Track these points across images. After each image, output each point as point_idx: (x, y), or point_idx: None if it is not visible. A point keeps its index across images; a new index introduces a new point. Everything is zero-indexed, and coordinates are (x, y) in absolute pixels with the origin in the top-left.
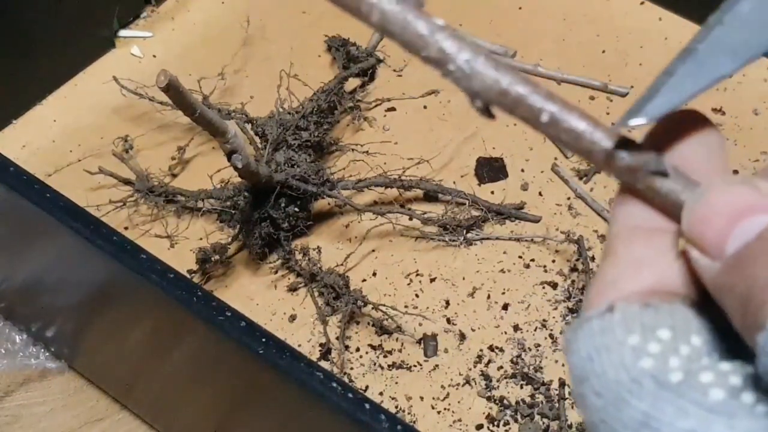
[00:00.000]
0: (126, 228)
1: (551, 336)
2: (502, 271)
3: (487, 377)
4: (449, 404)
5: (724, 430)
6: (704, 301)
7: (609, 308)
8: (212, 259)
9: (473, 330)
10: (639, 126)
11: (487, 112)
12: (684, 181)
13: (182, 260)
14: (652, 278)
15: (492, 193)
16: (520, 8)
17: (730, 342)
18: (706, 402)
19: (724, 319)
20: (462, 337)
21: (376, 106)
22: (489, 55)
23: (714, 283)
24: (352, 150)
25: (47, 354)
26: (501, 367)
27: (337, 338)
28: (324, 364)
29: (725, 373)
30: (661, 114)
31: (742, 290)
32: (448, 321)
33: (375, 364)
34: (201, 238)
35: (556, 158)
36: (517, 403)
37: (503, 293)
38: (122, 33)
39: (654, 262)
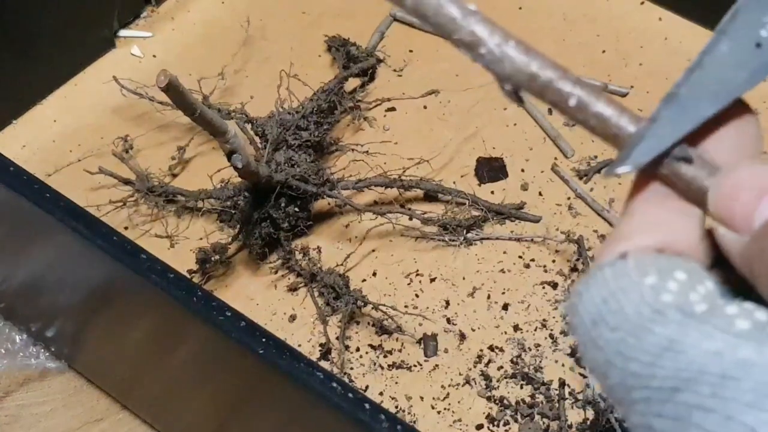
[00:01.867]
0: (126, 228)
1: (551, 336)
2: (502, 271)
3: (487, 377)
4: (449, 404)
5: (752, 354)
6: (713, 267)
7: (622, 255)
8: (212, 259)
9: (473, 330)
10: (626, 173)
11: (516, 96)
12: (709, 168)
13: (182, 260)
14: (664, 237)
15: (492, 193)
16: (520, 8)
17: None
18: (732, 329)
19: (736, 284)
20: (462, 337)
21: (376, 106)
22: (520, 40)
23: (742, 255)
24: (352, 150)
25: (47, 354)
26: (501, 367)
27: (337, 338)
28: (324, 364)
29: (750, 309)
30: (647, 161)
31: None
32: (448, 321)
33: (375, 364)
34: (201, 238)
35: (556, 158)
36: (517, 403)
37: (503, 293)
38: (122, 33)
39: (668, 223)
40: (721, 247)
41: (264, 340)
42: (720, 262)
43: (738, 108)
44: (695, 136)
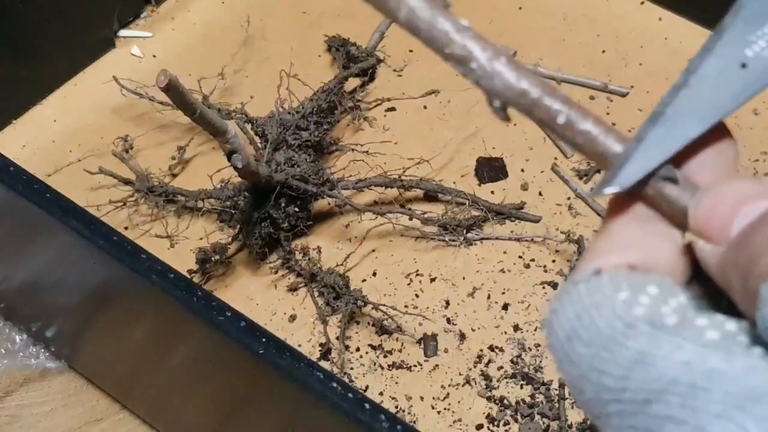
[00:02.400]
0: (126, 228)
1: None
2: (502, 271)
3: (487, 377)
4: (449, 404)
5: (721, 364)
6: (691, 282)
7: (596, 272)
8: (212, 259)
9: (473, 330)
10: (613, 194)
11: (503, 113)
12: (692, 189)
13: (182, 260)
14: (639, 255)
15: (492, 193)
16: (520, 8)
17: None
18: (702, 340)
19: (712, 302)
20: (462, 337)
21: (376, 106)
22: (510, 57)
23: (719, 265)
24: (352, 150)
25: (47, 354)
26: (501, 367)
27: (337, 338)
28: (324, 364)
29: (720, 320)
30: (633, 182)
31: (744, 262)
32: (448, 321)
33: (375, 364)
34: (201, 238)
35: (556, 158)
36: (517, 403)
37: (503, 293)
38: (122, 33)
39: (644, 242)
40: (699, 261)
41: (264, 340)
42: (698, 277)
43: (718, 131)
44: (678, 157)
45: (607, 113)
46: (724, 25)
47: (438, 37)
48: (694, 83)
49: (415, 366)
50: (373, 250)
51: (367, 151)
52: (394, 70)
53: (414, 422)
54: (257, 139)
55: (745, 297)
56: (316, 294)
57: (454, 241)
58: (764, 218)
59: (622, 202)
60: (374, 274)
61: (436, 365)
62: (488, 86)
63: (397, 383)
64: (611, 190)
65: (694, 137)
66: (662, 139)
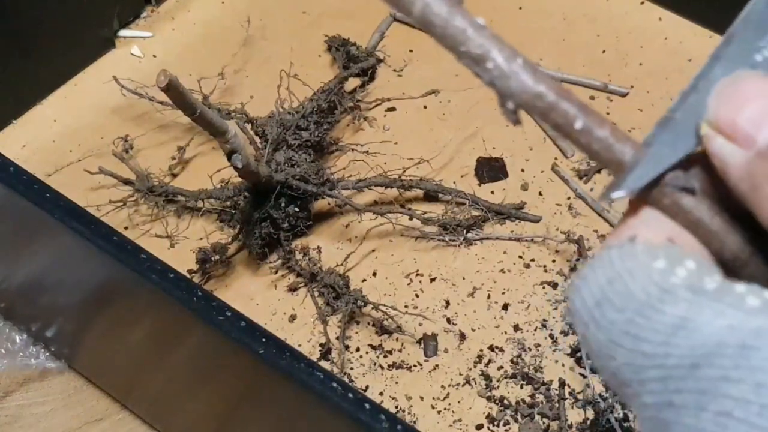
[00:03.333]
0: (126, 228)
1: (551, 336)
2: (502, 271)
3: (487, 377)
4: (449, 404)
5: (764, 323)
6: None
7: (631, 238)
8: (212, 259)
9: (473, 330)
10: (620, 198)
11: (515, 115)
12: (709, 199)
13: (182, 260)
14: (678, 233)
15: (492, 193)
16: (520, 8)
17: None
18: (743, 306)
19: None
20: (462, 337)
21: (376, 106)
22: (527, 59)
23: (746, 171)
24: (352, 150)
25: (47, 354)
26: (501, 367)
27: (337, 338)
28: (324, 364)
29: (757, 289)
30: (642, 186)
31: None
32: (448, 321)
33: (375, 364)
34: (201, 238)
35: (556, 158)
36: (517, 403)
37: (503, 293)
38: (122, 33)
39: (674, 226)
40: (714, 157)
41: (264, 340)
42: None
43: None
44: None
45: (607, 113)
46: (733, 32)
47: (454, 34)
48: (703, 88)
49: (415, 366)
50: (373, 250)
51: (367, 151)
52: (394, 70)
53: (414, 422)
54: (257, 139)
55: None
56: (316, 294)
57: (454, 241)
58: None
59: (636, 209)
60: (374, 274)
61: (436, 365)
62: (503, 87)
63: (397, 383)
64: (619, 194)
65: (698, 142)
66: (671, 144)
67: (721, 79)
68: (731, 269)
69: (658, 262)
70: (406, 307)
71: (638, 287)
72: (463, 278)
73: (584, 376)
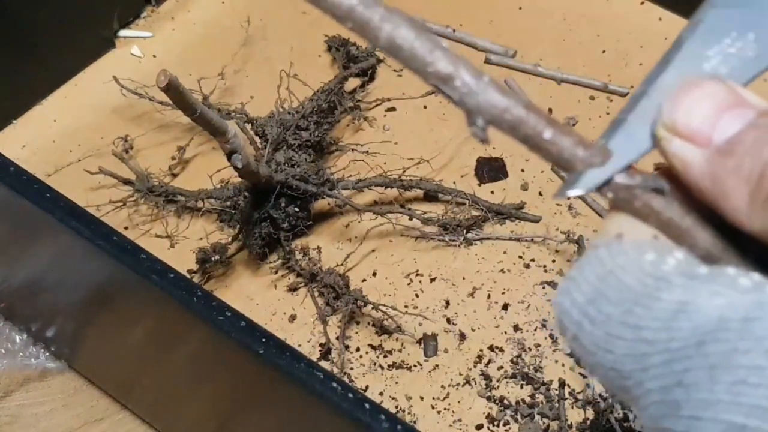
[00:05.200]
0: (126, 228)
1: (551, 336)
2: (502, 271)
3: (487, 377)
4: (449, 404)
5: (760, 296)
6: None
7: (618, 236)
8: (212, 259)
9: (473, 330)
10: (576, 196)
11: (484, 133)
12: (679, 200)
13: (182, 260)
14: (655, 231)
15: (492, 193)
16: (520, 8)
17: None
18: (737, 286)
19: None
20: (462, 337)
21: (376, 106)
22: (491, 77)
23: (706, 169)
24: (352, 150)
25: (47, 354)
26: (501, 367)
27: (337, 338)
28: (324, 364)
29: (746, 272)
30: (597, 185)
31: (750, 168)
32: (448, 321)
33: (375, 364)
34: (201, 238)
35: None
36: (517, 403)
37: (503, 293)
38: (122, 33)
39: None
40: (672, 158)
41: (264, 340)
42: None
43: None
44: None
45: (607, 113)
46: (683, 38)
47: (421, 55)
48: (654, 93)
49: (415, 366)
50: (373, 250)
51: (367, 151)
52: (394, 70)
53: (414, 422)
54: (257, 139)
55: (754, 202)
56: (316, 294)
57: (454, 241)
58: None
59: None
60: (374, 274)
61: (436, 365)
62: (473, 103)
63: (397, 383)
64: (575, 192)
65: (651, 145)
66: (623, 145)
67: (674, 84)
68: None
69: (648, 255)
70: (406, 307)
71: (632, 279)
72: (463, 278)
73: (584, 376)
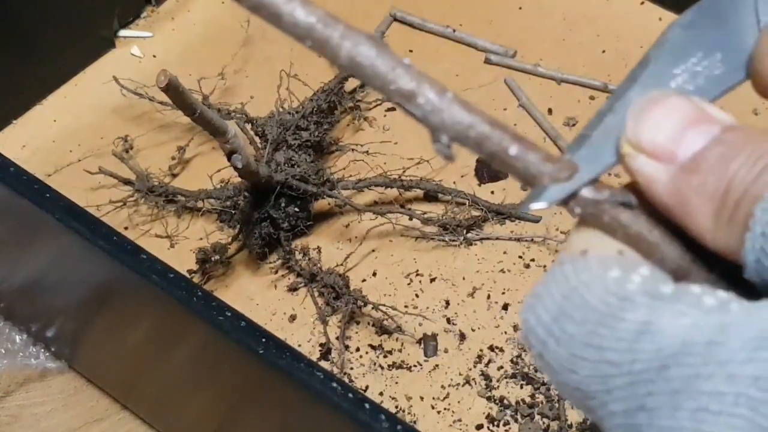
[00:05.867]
0: (126, 228)
1: None
2: (502, 271)
3: (487, 377)
4: (449, 404)
5: (729, 320)
6: None
7: (582, 252)
8: (212, 259)
9: (473, 330)
10: (539, 209)
11: (448, 150)
12: (646, 216)
13: (182, 260)
14: (620, 245)
15: (492, 193)
16: (520, 8)
17: None
18: (701, 306)
19: None
20: (462, 337)
21: (376, 106)
22: (456, 93)
23: (670, 186)
24: (352, 150)
25: (47, 354)
26: (501, 367)
27: (337, 338)
28: (324, 364)
29: (710, 289)
30: (561, 198)
31: (714, 186)
32: (448, 321)
33: (375, 364)
34: (201, 238)
35: None
36: (517, 403)
37: (503, 293)
38: (122, 33)
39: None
40: (636, 175)
41: (264, 340)
42: None
43: None
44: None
45: None
46: (649, 56)
47: (383, 72)
48: (619, 109)
49: (415, 366)
50: (373, 250)
51: (367, 151)
52: None
53: (414, 422)
54: (257, 139)
55: (718, 219)
56: (316, 294)
57: (454, 241)
58: (732, 144)
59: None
60: (374, 274)
61: (436, 365)
62: (437, 120)
63: (397, 383)
64: (538, 205)
65: (616, 161)
66: (587, 161)
67: (637, 99)
68: (676, 279)
69: (612, 272)
70: (406, 307)
71: (596, 298)
72: (463, 278)
73: None
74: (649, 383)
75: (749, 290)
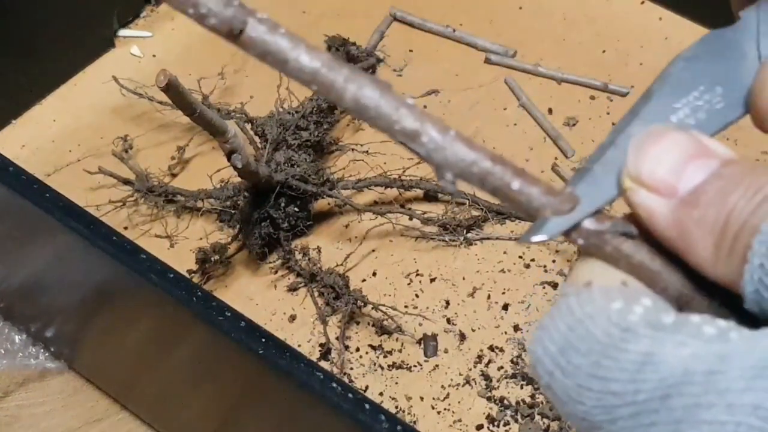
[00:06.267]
0: (126, 228)
1: None
2: (502, 271)
3: (487, 377)
4: (449, 404)
5: (728, 349)
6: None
7: (587, 284)
8: (212, 259)
9: (473, 330)
10: (540, 242)
11: (454, 185)
12: (647, 245)
13: (182, 260)
14: (624, 276)
15: None
16: (520, 8)
17: None
18: (702, 336)
19: None
20: (462, 337)
21: None
22: (458, 131)
23: (671, 219)
24: (352, 150)
25: (47, 354)
26: (501, 367)
27: (337, 338)
28: (324, 364)
29: (710, 318)
30: (560, 231)
31: (714, 219)
32: (448, 321)
33: (375, 364)
34: (201, 238)
35: (556, 158)
36: (517, 403)
37: (503, 293)
38: (122, 33)
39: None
40: (638, 209)
41: (264, 340)
42: None
43: None
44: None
45: (608, 113)
46: (652, 90)
47: (387, 113)
48: (621, 143)
49: (415, 366)
50: (373, 250)
51: (367, 151)
52: (394, 70)
53: (414, 422)
54: (257, 139)
55: (718, 252)
56: (316, 294)
57: (454, 241)
58: (730, 178)
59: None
60: (374, 274)
61: (436, 365)
62: (440, 158)
63: (397, 383)
64: (539, 238)
65: (617, 194)
66: (589, 194)
67: (637, 134)
68: (678, 306)
69: (615, 303)
70: (406, 307)
71: (599, 330)
72: (463, 278)
73: None
74: (652, 413)
75: (751, 317)
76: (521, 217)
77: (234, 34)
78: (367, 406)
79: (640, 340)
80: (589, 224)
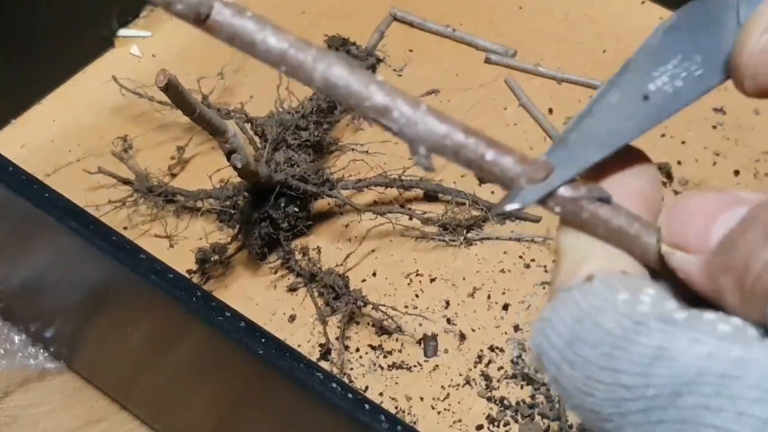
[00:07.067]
0: (125, 228)
1: None
2: (503, 271)
3: (487, 377)
4: (449, 404)
5: (744, 353)
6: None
7: (588, 278)
8: (212, 259)
9: (473, 330)
10: (514, 210)
11: (428, 161)
12: (623, 210)
13: (182, 260)
14: (625, 263)
15: (492, 192)
16: (520, 8)
17: None
18: (716, 333)
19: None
20: (462, 337)
21: None
22: (430, 105)
23: (704, 272)
24: (352, 150)
25: (46, 354)
26: (501, 368)
27: (337, 338)
28: (324, 364)
29: (724, 315)
30: (535, 199)
31: (737, 264)
32: (448, 321)
33: (375, 364)
34: (200, 238)
35: None
36: (517, 403)
37: (503, 293)
38: (122, 32)
39: (619, 256)
40: (678, 271)
41: (264, 340)
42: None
43: (634, 156)
44: (592, 179)
45: None
46: (630, 61)
47: (357, 90)
48: (598, 112)
49: (415, 366)
50: (373, 250)
51: (367, 151)
52: (394, 70)
53: (414, 422)
54: (257, 139)
55: (743, 294)
56: (315, 294)
57: (454, 241)
58: (750, 220)
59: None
60: (374, 274)
61: (436, 365)
62: (413, 133)
63: (397, 383)
64: (513, 206)
65: (594, 162)
66: (564, 162)
67: (617, 103)
68: (661, 267)
69: (621, 294)
70: (406, 307)
71: (610, 322)
72: (463, 278)
73: None
74: (660, 410)
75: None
76: (521, 216)
77: (201, 19)
78: (367, 406)
79: (652, 333)
80: (564, 191)
